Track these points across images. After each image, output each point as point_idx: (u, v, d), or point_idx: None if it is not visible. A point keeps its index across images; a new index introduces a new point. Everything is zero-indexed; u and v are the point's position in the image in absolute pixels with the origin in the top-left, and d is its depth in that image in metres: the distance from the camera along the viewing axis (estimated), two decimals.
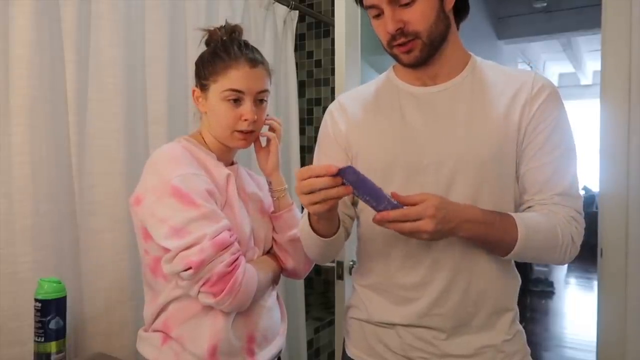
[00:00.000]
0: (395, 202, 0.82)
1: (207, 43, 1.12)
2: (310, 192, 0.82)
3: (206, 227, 0.94)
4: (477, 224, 0.89)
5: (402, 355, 1.01)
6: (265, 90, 1.08)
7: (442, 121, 0.99)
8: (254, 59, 1.06)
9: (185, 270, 0.92)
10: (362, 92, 1.13)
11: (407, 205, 0.83)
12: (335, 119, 1.10)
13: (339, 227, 0.99)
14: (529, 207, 0.97)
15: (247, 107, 1.05)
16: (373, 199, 0.82)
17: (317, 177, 0.81)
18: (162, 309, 1.03)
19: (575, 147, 0.98)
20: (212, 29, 1.11)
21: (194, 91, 1.10)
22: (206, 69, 1.07)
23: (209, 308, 0.99)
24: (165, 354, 1.02)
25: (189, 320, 1.01)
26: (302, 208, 0.97)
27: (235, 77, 1.03)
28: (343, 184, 0.81)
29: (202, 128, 1.12)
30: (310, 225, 0.97)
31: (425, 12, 0.93)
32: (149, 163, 1.02)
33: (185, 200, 0.94)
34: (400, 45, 0.96)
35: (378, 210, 0.83)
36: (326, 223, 0.96)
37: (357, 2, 1.01)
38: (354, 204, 1.10)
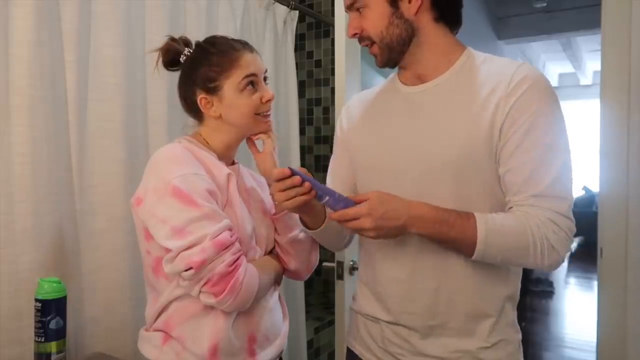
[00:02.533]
0: (344, 197, 0.90)
1: (172, 59, 1.12)
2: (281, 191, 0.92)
3: (207, 227, 0.94)
4: (428, 221, 0.89)
5: (383, 349, 1.05)
6: (267, 70, 1.13)
7: (422, 120, 0.99)
8: (248, 44, 1.11)
9: (187, 270, 0.92)
10: (368, 93, 1.16)
11: (356, 201, 0.90)
12: (342, 120, 1.16)
13: (324, 221, 1.05)
14: (509, 208, 0.93)
15: (263, 88, 1.09)
16: (326, 195, 0.91)
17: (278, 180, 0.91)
18: (164, 309, 1.03)
19: (559, 143, 0.91)
20: (163, 45, 1.12)
21: (201, 100, 1.08)
22: (212, 71, 1.06)
23: (210, 308, 0.99)
24: (166, 353, 1.02)
25: (190, 319, 1.01)
26: None
27: (245, 64, 1.06)
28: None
29: (202, 130, 1.11)
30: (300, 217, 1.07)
31: (374, 19, 0.97)
32: (150, 163, 1.02)
33: (186, 200, 0.94)
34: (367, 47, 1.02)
35: (333, 209, 0.92)
36: (308, 218, 1.05)
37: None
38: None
